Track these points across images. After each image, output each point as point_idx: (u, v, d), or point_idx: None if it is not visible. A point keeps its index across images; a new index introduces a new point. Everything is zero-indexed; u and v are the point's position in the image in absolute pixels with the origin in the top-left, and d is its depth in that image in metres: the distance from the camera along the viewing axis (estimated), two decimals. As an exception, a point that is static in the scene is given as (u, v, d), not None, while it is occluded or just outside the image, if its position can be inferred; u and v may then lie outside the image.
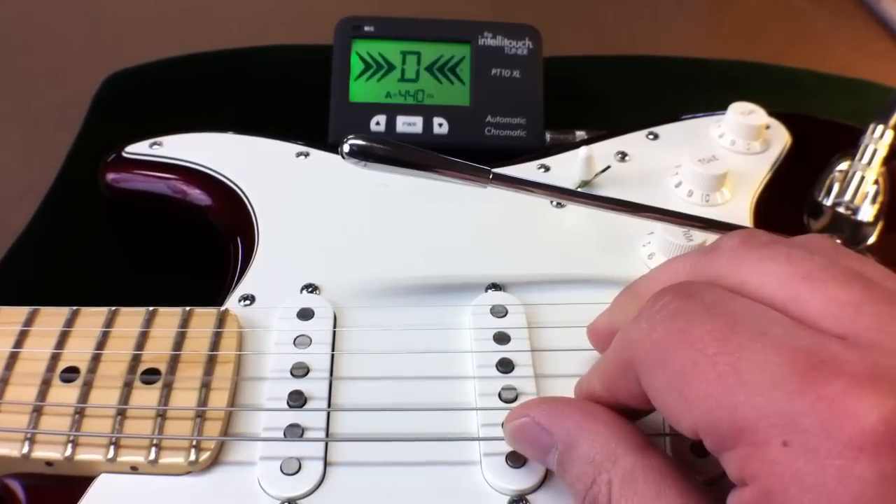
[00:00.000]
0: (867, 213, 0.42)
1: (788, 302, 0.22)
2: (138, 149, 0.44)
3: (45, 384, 0.32)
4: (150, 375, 0.32)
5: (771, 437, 0.20)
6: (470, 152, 0.40)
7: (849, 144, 0.44)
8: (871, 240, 0.42)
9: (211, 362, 0.33)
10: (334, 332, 0.35)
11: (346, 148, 0.33)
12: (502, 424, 0.29)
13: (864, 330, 0.21)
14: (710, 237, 0.38)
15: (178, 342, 0.34)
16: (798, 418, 0.19)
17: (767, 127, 0.47)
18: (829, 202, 0.42)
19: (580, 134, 0.50)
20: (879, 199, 0.42)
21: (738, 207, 0.43)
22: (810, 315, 0.22)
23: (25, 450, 0.30)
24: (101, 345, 0.33)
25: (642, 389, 0.24)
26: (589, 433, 0.25)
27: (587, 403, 0.27)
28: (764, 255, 0.24)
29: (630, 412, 0.27)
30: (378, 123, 0.50)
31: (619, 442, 0.25)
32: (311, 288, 0.37)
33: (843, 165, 0.43)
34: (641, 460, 0.24)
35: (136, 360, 0.33)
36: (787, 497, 0.19)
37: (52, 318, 0.34)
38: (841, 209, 0.42)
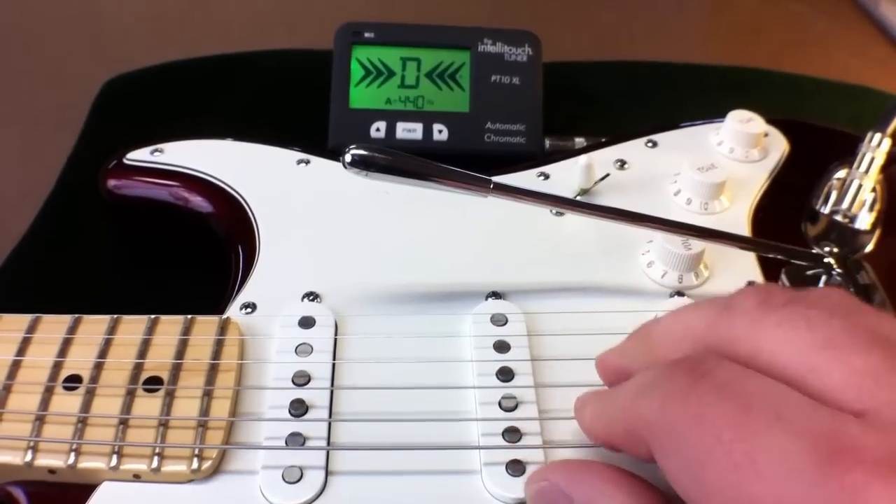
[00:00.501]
0: (864, 221, 0.42)
1: (808, 374, 0.22)
2: (139, 155, 0.44)
3: (48, 392, 0.32)
4: (153, 384, 0.33)
5: None
6: (469, 159, 0.40)
7: (847, 152, 0.44)
8: (869, 248, 0.42)
9: (213, 370, 0.33)
10: (335, 340, 0.35)
11: (347, 157, 0.34)
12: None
13: (884, 405, 0.20)
14: (708, 246, 0.38)
15: (180, 350, 0.34)
16: None
17: (766, 134, 0.47)
18: (826, 210, 0.43)
19: (579, 141, 0.51)
20: (877, 207, 0.43)
21: (737, 215, 0.43)
22: (830, 387, 0.21)
23: (28, 458, 0.30)
24: (103, 353, 0.33)
25: (651, 454, 0.24)
26: (609, 500, 0.25)
27: (608, 469, 0.27)
28: (781, 320, 0.23)
29: None
30: (378, 130, 0.50)
31: None
32: (313, 296, 0.37)
33: (841, 173, 0.44)
34: None
35: (138, 368, 0.33)
36: None
37: (54, 325, 0.35)
38: (838, 217, 0.42)
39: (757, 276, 0.40)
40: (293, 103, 0.60)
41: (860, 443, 0.19)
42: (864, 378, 0.21)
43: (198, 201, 0.43)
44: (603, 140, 0.48)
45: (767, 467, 0.20)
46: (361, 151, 0.34)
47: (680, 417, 0.22)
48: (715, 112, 0.49)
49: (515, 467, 0.31)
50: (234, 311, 0.37)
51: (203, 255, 0.43)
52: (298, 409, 0.32)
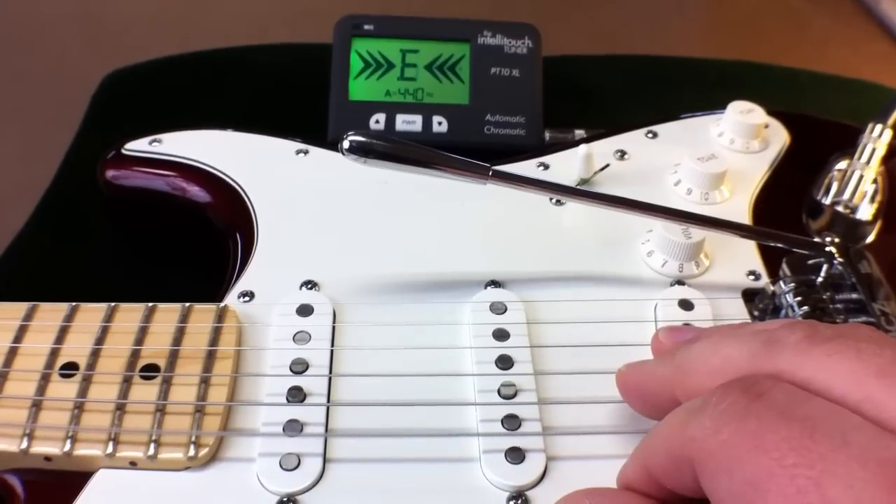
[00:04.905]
0: (866, 212, 0.42)
1: (862, 403, 0.21)
2: (138, 146, 0.44)
3: (45, 379, 0.32)
4: (150, 371, 0.32)
5: None
6: (469, 151, 0.40)
7: (847, 144, 0.44)
8: (870, 239, 0.42)
9: (210, 358, 0.33)
10: (333, 329, 0.35)
11: (346, 144, 0.33)
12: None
13: None
14: (709, 235, 0.38)
15: (178, 338, 0.34)
16: None
17: (766, 126, 0.47)
18: (827, 201, 0.42)
19: (579, 133, 0.50)
20: (878, 198, 0.42)
21: (737, 206, 0.43)
22: (886, 416, 0.21)
23: (24, 445, 0.30)
24: (100, 340, 0.33)
25: (698, 485, 0.23)
26: None
27: (636, 497, 0.26)
28: (831, 351, 0.23)
29: (679, 499, 0.25)
30: (377, 122, 0.50)
31: None
32: (311, 284, 0.37)
33: (842, 164, 0.43)
34: None
35: (135, 355, 0.33)
36: None
37: (51, 313, 0.34)
38: (839, 208, 0.42)
39: (758, 265, 0.40)
40: (293, 97, 0.59)
41: None
42: None
43: (196, 191, 0.43)
44: (603, 131, 0.48)
45: (835, 496, 0.19)
46: (360, 138, 0.33)
47: (737, 438, 0.21)
48: (714, 107, 0.49)
49: (514, 455, 0.30)
50: (231, 299, 0.37)
51: (201, 249, 0.43)
52: (296, 396, 0.32)
